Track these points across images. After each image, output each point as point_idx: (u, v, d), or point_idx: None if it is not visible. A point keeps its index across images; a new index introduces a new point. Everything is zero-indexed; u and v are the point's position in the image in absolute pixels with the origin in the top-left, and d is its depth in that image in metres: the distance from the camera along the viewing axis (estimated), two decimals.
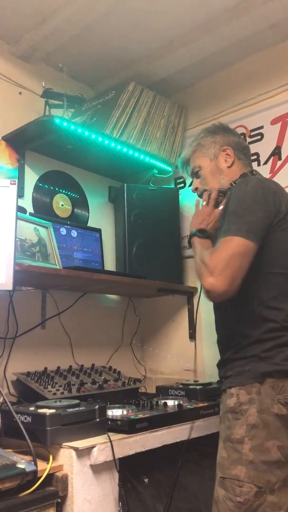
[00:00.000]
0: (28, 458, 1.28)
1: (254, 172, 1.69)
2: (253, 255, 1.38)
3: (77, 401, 1.50)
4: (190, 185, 1.78)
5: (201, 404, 1.82)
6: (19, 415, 1.40)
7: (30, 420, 1.39)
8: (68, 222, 2.38)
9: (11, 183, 1.62)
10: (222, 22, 2.16)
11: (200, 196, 1.77)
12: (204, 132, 1.77)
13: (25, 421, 1.39)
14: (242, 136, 2.39)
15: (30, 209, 2.26)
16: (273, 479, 1.29)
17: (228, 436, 1.36)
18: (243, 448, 1.31)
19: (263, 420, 1.31)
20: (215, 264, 1.36)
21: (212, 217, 1.66)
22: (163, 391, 2.08)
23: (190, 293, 2.50)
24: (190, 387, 2.02)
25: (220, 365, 1.52)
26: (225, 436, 1.38)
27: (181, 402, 1.79)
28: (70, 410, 1.42)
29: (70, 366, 2.10)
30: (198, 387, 2.00)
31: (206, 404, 1.81)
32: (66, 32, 2.21)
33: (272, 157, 2.29)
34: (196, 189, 1.78)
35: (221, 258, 1.36)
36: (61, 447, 1.36)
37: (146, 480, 1.55)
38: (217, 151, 1.71)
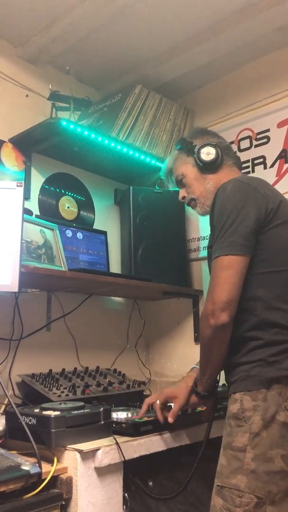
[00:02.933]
0: (33, 460, 1.27)
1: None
2: (246, 267, 1.37)
3: (81, 403, 1.49)
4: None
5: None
6: (23, 417, 1.39)
7: (34, 422, 1.38)
8: (74, 225, 2.38)
9: (17, 185, 1.62)
10: (229, 25, 2.16)
11: (188, 204, 1.74)
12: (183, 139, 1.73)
13: (30, 423, 1.39)
14: (249, 138, 2.40)
15: (36, 211, 2.27)
16: (274, 489, 1.24)
17: (229, 444, 1.31)
18: (245, 457, 1.26)
19: (267, 428, 1.26)
20: (216, 297, 1.35)
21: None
22: None
23: (195, 296, 2.49)
24: None
25: (225, 368, 1.48)
26: (226, 443, 1.33)
27: None
28: (75, 412, 1.42)
29: (75, 368, 2.10)
30: None
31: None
32: (73, 35, 2.22)
33: (278, 160, 2.29)
34: (183, 198, 1.75)
35: (217, 287, 1.36)
36: (66, 449, 1.36)
37: (150, 483, 1.55)
38: None
